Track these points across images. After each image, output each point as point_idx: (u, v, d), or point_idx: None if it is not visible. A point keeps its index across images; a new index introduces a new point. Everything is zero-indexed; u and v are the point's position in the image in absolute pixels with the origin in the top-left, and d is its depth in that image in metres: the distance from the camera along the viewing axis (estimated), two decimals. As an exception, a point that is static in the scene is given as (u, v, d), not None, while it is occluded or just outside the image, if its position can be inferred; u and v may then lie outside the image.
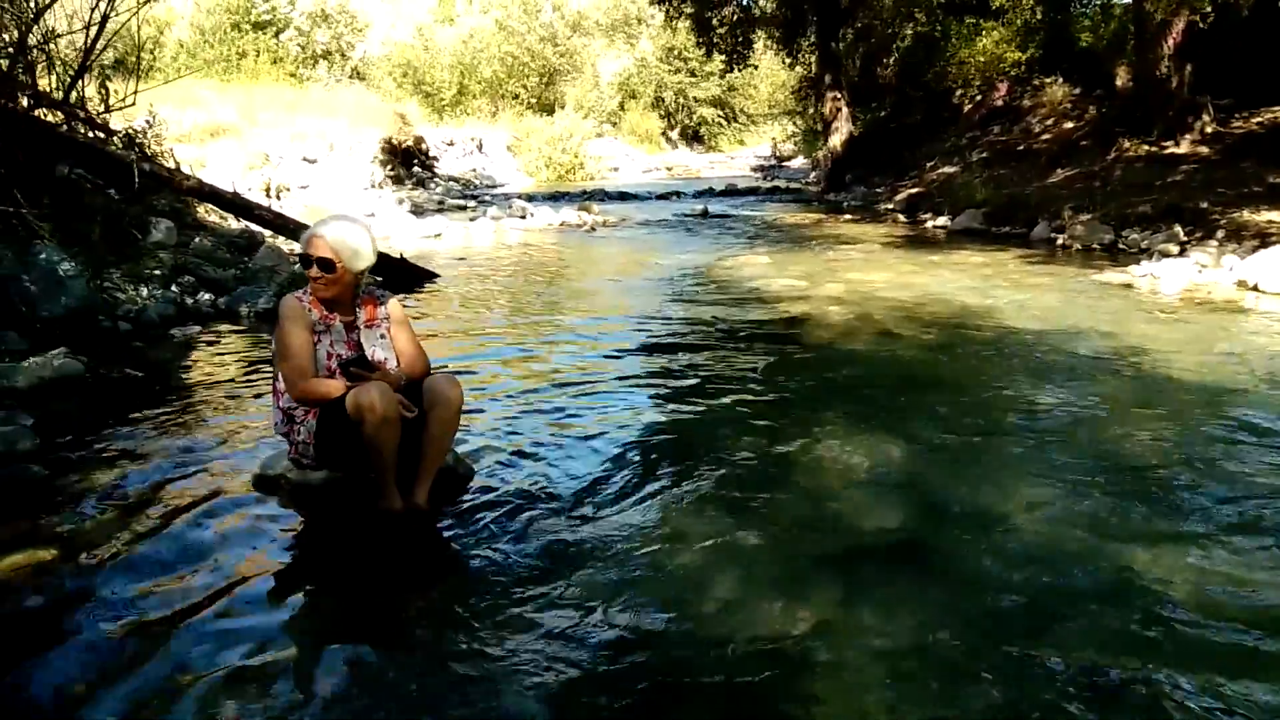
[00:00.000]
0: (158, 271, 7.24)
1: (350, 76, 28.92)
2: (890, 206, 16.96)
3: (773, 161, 37.31)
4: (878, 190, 19.03)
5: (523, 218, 15.67)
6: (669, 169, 36.93)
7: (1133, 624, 2.60)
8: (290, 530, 3.26)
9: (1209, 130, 12.78)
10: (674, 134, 47.87)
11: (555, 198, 20.22)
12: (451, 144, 27.10)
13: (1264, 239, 9.06)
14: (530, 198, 19.46)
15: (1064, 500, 3.49)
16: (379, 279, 8.56)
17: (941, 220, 14.49)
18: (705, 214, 17.15)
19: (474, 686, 2.32)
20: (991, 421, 4.54)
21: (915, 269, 9.87)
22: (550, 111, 33.69)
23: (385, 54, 33.62)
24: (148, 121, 9.94)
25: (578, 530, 3.25)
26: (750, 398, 4.99)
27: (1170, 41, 12.66)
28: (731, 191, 23.30)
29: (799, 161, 33.95)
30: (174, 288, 7.20)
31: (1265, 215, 9.72)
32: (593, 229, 14.81)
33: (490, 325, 7.13)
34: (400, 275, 8.70)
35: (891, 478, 3.75)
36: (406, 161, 22.12)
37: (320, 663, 2.46)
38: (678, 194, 22.56)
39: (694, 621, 2.65)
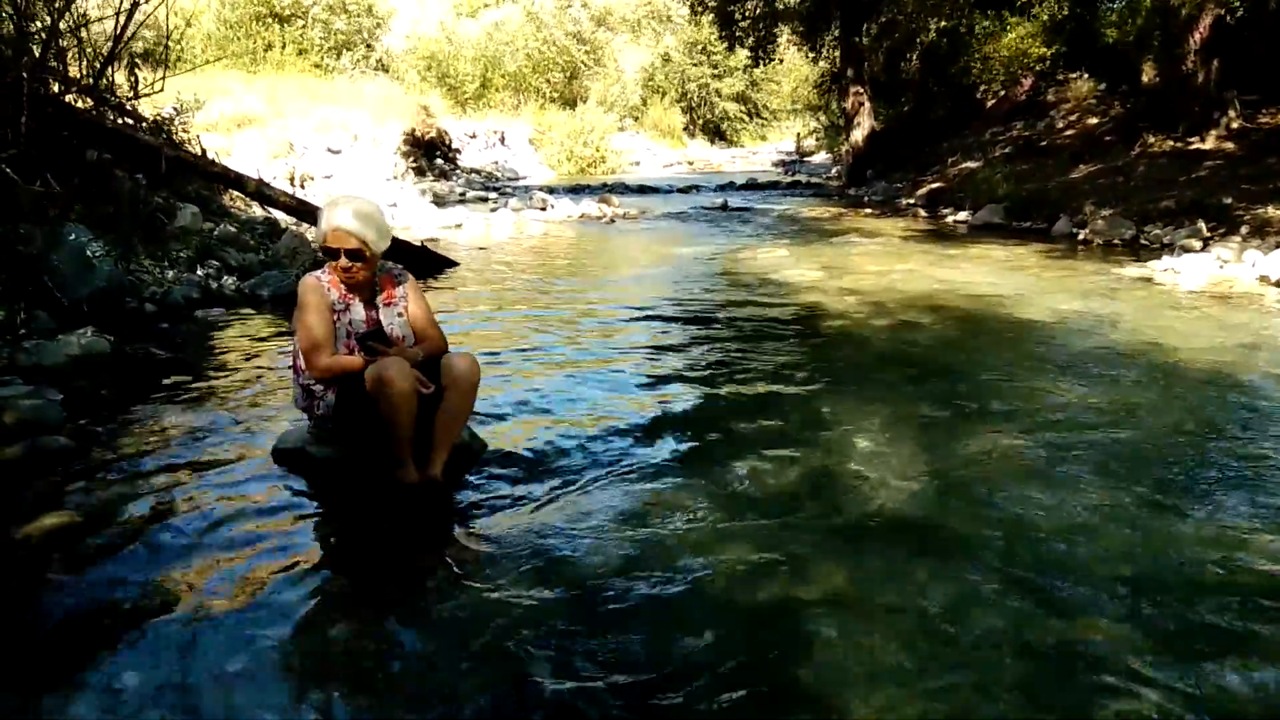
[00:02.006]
0: (183, 255, 7.37)
1: (375, 68, 29.09)
2: (911, 201, 16.90)
3: (795, 157, 37.15)
4: (899, 185, 18.96)
5: (543, 209, 15.75)
6: (690, 164, 36.87)
7: (1134, 604, 2.62)
8: (309, 501, 3.34)
9: (1235, 126, 12.65)
10: (696, 129, 47.79)
11: (576, 190, 20.28)
12: (474, 136, 27.22)
13: (1288, 235, 8.98)
14: (551, 190, 19.53)
15: (1073, 485, 3.51)
16: (399, 265, 8.65)
17: (962, 215, 14.43)
18: (725, 207, 17.16)
19: (486, 652, 2.38)
20: (1004, 409, 4.56)
21: (934, 262, 9.86)
22: (573, 105, 33.73)
23: (410, 47, 33.78)
24: (175, 109, 10.10)
25: (588, 504, 3.31)
26: (764, 383, 5.04)
27: (1197, 37, 12.54)
28: (752, 186, 23.26)
29: (821, 157, 33.80)
30: (199, 271, 7.32)
31: (1290, 211, 9.64)
32: (612, 221, 14.86)
33: (508, 310, 7.21)
34: (420, 262, 8.79)
35: (902, 460, 3.79)
36: (429, 153, 22.25)
37: (337, 629, 2.53)
38: (698, 188, 22.57)
39: (702, 594, 2.70)
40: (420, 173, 20.46)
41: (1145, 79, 15.49)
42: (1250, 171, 11.22)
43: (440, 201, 16.40)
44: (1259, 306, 7.15)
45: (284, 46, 25.41)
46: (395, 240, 8.83)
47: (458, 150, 24.89)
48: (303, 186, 14.78)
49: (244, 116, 17.27)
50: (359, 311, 3.36)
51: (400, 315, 3.47)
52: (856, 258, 10.37)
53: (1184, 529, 3.11)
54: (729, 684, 2.28)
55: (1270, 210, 9.79)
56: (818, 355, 5.74)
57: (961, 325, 6.70)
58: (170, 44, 10.47)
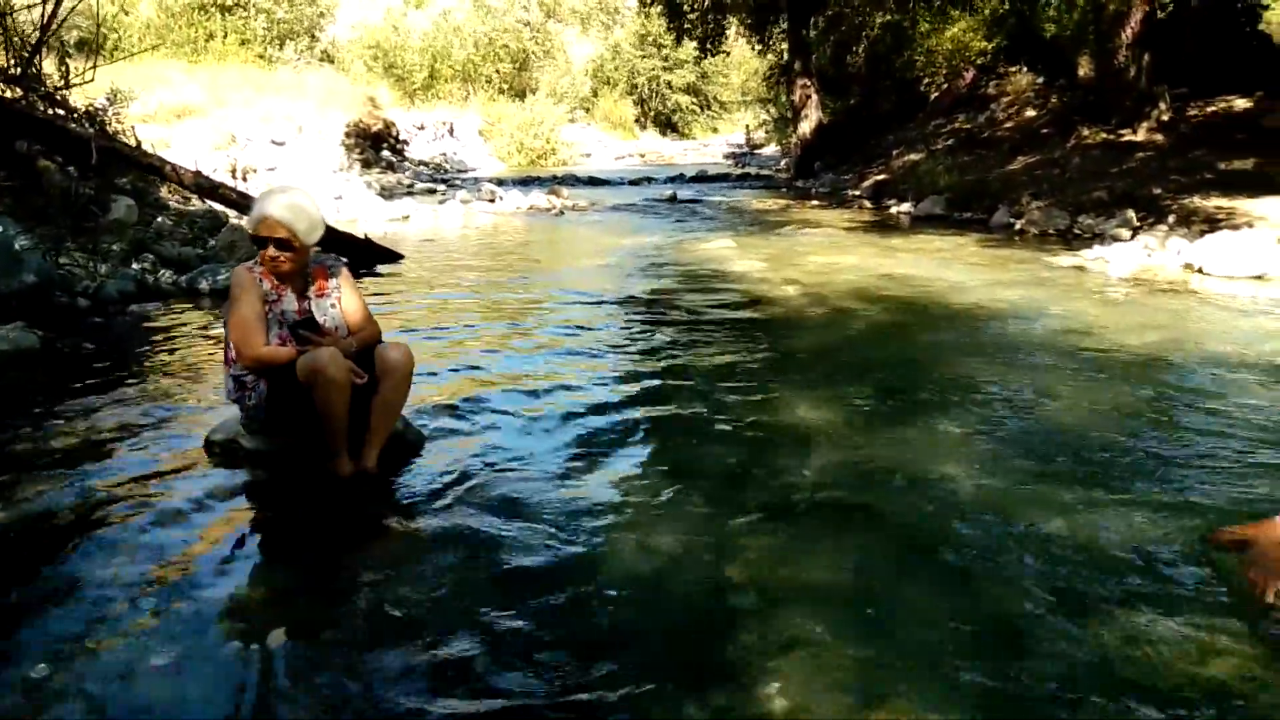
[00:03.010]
0: (117, 248, 7.23)
1: (320, 59, 28.64)
2: (857, 193, 17.13)
3: (745, 149, 37.40)
4: (846, 177, 19.20)
5: (491, 201, 15.69)
6: (642, 155, 36.94)
7: (1051, 576, 2.72)
8: (241, 495, 3.33)
9: (1165, 119, 13.04)
10: (648, 121, 47.84)
11: (525, 182, 20.22)
12: (422, 128, 26.99)
13: (1212, 224, 9.31)
14: (500, 182, 19.45)
15: (998, 466, 3.62)
16: (344, 260, 8.58)
17: (906, 206, 14.68)
18: (674, 199, 17.25)
19: (418, 641, 2.40)
20: (936, 394, 4.68)
21: (875, 253, 10.03)
22: (522, 97, 33.58)
23: (355, 37, 33.31)
24: (109, 99, 9.87)
25: (523, 494, 3.34)
26: (704, 371, 5.11)
27: (1128, 32, 12.89)
28: (702, 178, 23.40)
29: (771, 149, 34.05)
30: (135, 265, 7.20)
31: (1214, 201, 9.98)
32: (561, 212, 14.87)
33: (452, 302, 7.20)
34: (364, 255, 8.73)
35: (834, 444, 3.88)
36: (376, 145, 22.01)
37: (268, 622, 2.52)
38: (648, 180, 22.65)
39: (631, 575, 2.75)
40: (367, 165, 20.24)
41: (1081, 73, 15.89)
42: (1178, 163, 11.59)
43: (387, 194, 16.25)
44: (1182, 293, 7.41)
45: (226, 36, 24.90)
46: (338, 233, 8.82)
47: (405, 142, 24.66)
48: (245, 179, 14.53)
49: (184, 107, 16.94)
50: (291, 302, 3.35)
51: (334, 307, 3.47)
52: (800, 249, 10.51)
53: (1101, 506, 3.22)
54: (651, 660, 2.34)
55: (1196, 200, 10.13)
56: (757, 343, 5.82)
57: (899, 314, 6.85)
58: (105, 32, 10.22)
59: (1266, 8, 15.58)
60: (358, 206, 13.55)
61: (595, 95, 43.83)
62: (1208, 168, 11.13)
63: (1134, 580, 2.68)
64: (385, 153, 22.45)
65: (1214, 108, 13.18)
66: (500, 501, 3.26)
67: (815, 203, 16.96)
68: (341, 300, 3.50)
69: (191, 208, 9.45)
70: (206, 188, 8.80)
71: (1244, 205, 9.62)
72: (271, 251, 3.22)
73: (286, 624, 2.48)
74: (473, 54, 34.65)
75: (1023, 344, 5.76)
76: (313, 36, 29.58)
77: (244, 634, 2.44)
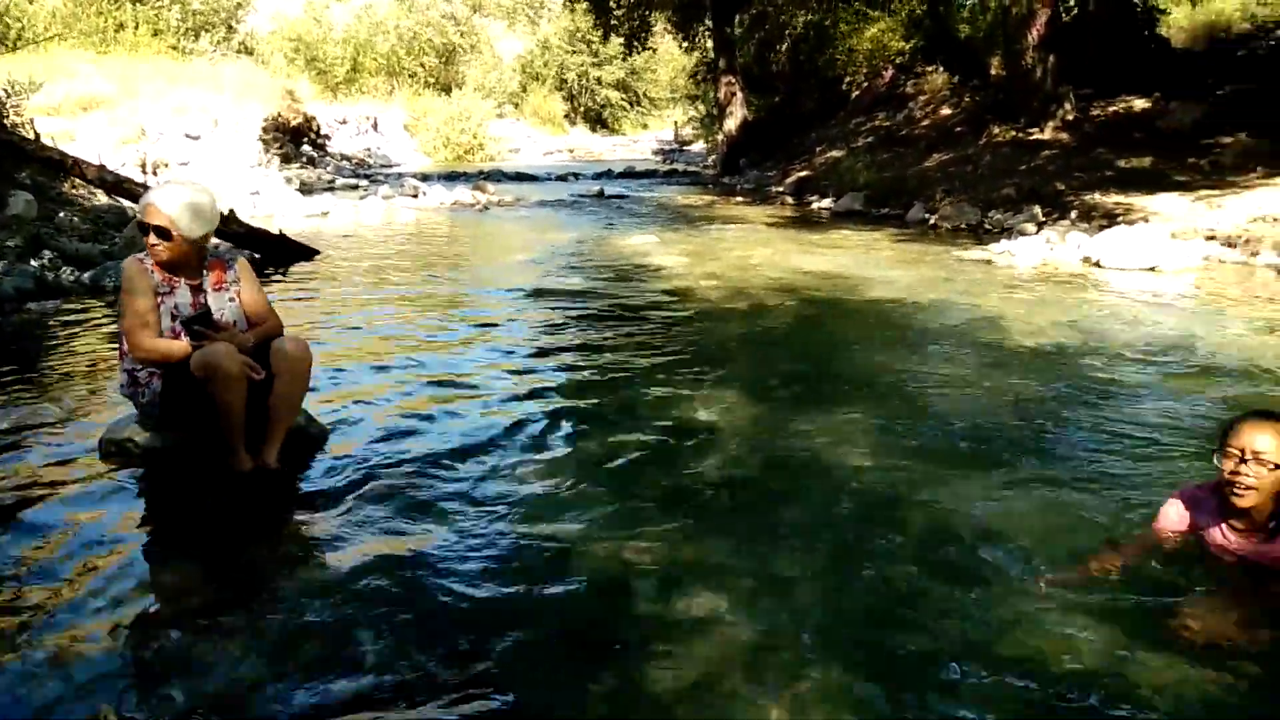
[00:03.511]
0: (13, 244, 6.97)
1: (237, 51, 27.85)
2: (780, 189, 17.40)
3: (674, 145, 37.57)
4: (770, 173, 19.47)
5: (415, 196, 15.52)
6: (571, 151, 36.84)
7: (941, 554, 2.83)
8: (136, 494, 3.27)
9: (1070, 118, 13.54)
10: (578, 116, 47.73)
11: (451, 177, 20.03)
12: (344, 122, 26.50)
13: (1111, 219, 9.73)
14: (425, 177, 19.23)
15: (900, 450, 3.75)
16: (243, 252, 8.42)
17: (826, 202, 14.96)
18: (601, 195, 17.30)
19: (314, 636, 2.39)
20: (846, 382, 4.82)
21: (795, 248, 10.23)
22: (449, 91, 33.20)
23: (275, 29, 32.50)
24: (7, 91, 9.49)
25: (429, 487, 3.33)
26: (622, 363, 5.16)
27: (1034, 34, 13.35)
28: (630, 174, 23.49)
29: (700, 145, 34.26)
30: (33, 262, 6.95)
31: (1114, 197, 10.42)
32: (486, 208, 14.78)
33: (369, 298, 7.12)
34: (278, 252, 8.58)
35: (745, 431, 3.97)
36: (296, 139, 21.54)
37: (163, 621, 2.49)
38: (576, 175, 22.66)
39: (536, 564, 2.77)
40: (287, 159, 19.79)
41: (993, 73, 16.39)
42: (1081, 161, 12.07)
43: (307, 189, 15.93)
44: (1080, 285, 7.74)
45: (138, 26, 24.02)
46: (251, 229, 8.64)
47: (327, 136, 24.19)
48: (155, 174, 14.10)
49: (91, 99, 16.34)
50: (185, 295, 3.30)
51: (232, 300, 3.43)
52: (721, 244, 10.66)
53: (993, 488, 3.34)
54: (551, 641, 2.38)
55: (1097, 197, 10.56)
56: (673, 336, 5.90)
57: (814, 307, 7.01)
58: (8, 21, 9.81)
59: (1164, 12, 16.29)
60: (275, 202, 13.27)
61: (524, 90, 43.54)
62: (1108, 166, 11.61)
63: (1018, 557, 2.80)
64: (306, 148, 21.98)
65: (1115, 108, 13.74)
66: (404, 496, 3.25)
67: (739, 199, 17.17)
68: (241, 293, 3.46)
69: (97, 203, 9.15)
70: (111, 183, 8.53)
71: (1140, 201, 10.07)
72: (151, 239, 3.18)
73: (181, 623, 2.46)
74: (396, 47, 34.11)
75: (929, 334, 5.95)
76: (229, 28, 28.73)
77: (135, 634, 2.41)
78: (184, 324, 3.23)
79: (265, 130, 19.49)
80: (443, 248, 10.47)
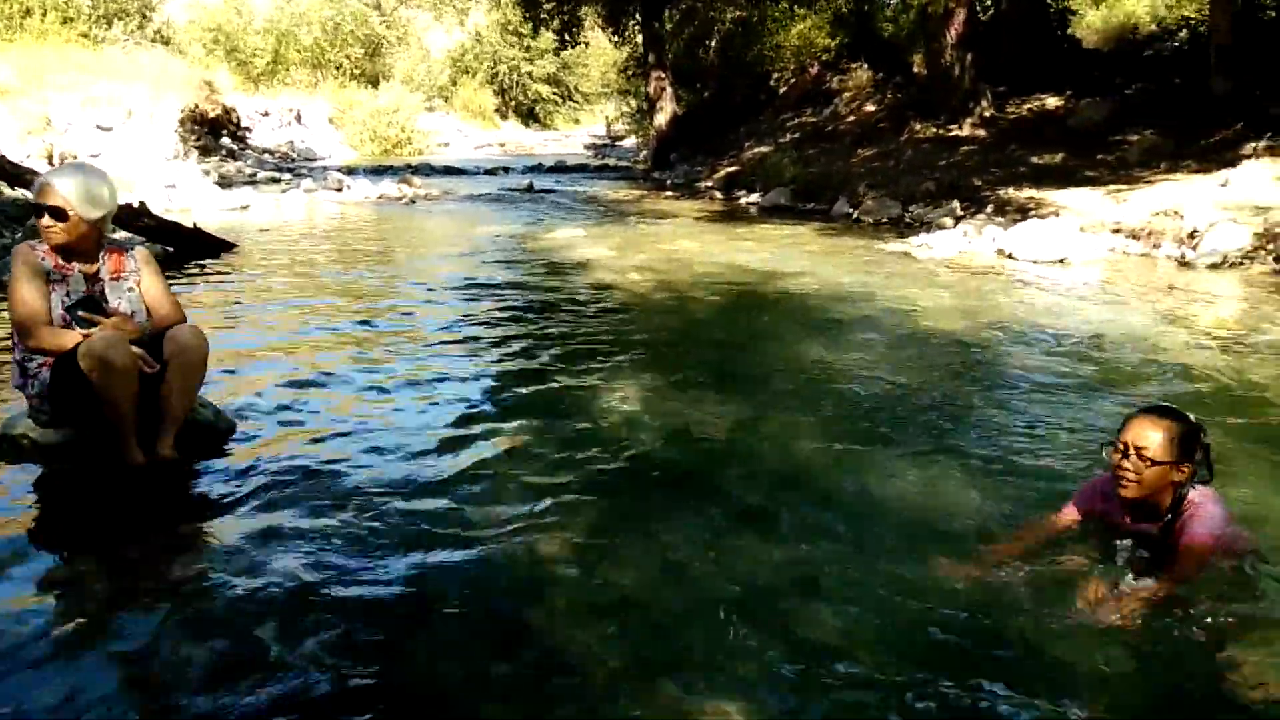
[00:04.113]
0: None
1: (152, 40, 26.91)
2: (709, 184, 17.53)
3: (606, 140, 37.50)
4: (699, 168, 19.59)
5: (339, 190, 15.22)
6: (502, 145, 36.53)
7: (853, 531, 2.90)
8: (28, 490, 3.14)
9: (987, 115, 13.94)
10: (509, 110, 47.34)
11: (378, 171, 19.70)
12: (266, 114, 25.85)
13: (1024, 213, 10.03)
14: (351, 171, 18.87)
15: (815, 435, 3.81)
16: (169, 249, 8.18)
17: (754, 197, 15.13)
18: (530, 189, 17.21)
19: (222, 632, 2.32)
20: (766, 371, 4.89)
21: (722, 242, 10.32)
22: (376, 84, 32.58)
23: (193, 18, 31.51)
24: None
25: (338, 480, 3.27)
26: (545, 354, 5.15)
27: (953, 32, 13.70)
28: (561, 168, 23.39)
29: (631, 140, 34.27)
30: (-75, 255, 6.62)
31: (1026, 192, 10.75)
32: (412, 201, 14.58)
33: (287, 291, 6.97)
34: (192, 245, 8.33)
35: (666, 420, 3.98)
36: (215, 132, 20.94)
37: (52, 619, 2.41)
38: (506, 169, 22.50)
39: (451, 553, 2.74)
40: (206, 152, 19.22)
41: (915, 71, 16.77)
42: (997, 157, 12.43)
43: (226, 183, 15.49)
44: (994, 276, 7.97)
45: (45, 13, 23.03)
46: (163, 221, 8.38)
47: (247, 129, 23.56)
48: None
49: (-8, 88, 15.63)
50: (79, 283, 3.19)
51: (131, 290, 3.32)
52: (650, 237, 10.70)
53: (908, 469, 3.43)
54: (466, 627, 2.37)
55: (1011, 191, 10.89)
56: (601, 327, 5.90)
57: (740, 298, 7.09)
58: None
59: (1075, 13, 16.87)
60: (192, 196, 12.86)
61: (454, 84, 42.99)
62: (1022, 161, 11.98)
63: (927, 534, 2.87)
64: (225, 140, 21.37)
65: (1029, 106, 14.18)
66: (314, 488, 3.19)
67: (669, 193, 17.26)
68: (141, 284, 3.35)
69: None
70: (10, 173, 8.18)
71: (1052, 196, 10.41)
72: (46, 220, 3.07)
73: (71, 623, 2.37)
74: (320, 39, 33.36)
75: (849, 324, 6.07)
76: (144, 16, 27.75)
77: (24, 633, 2.32)
78: (68, 310, 3.11)
79: (182, 122, 18.90)
80: (366, 241, 10.30)
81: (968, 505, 3.07)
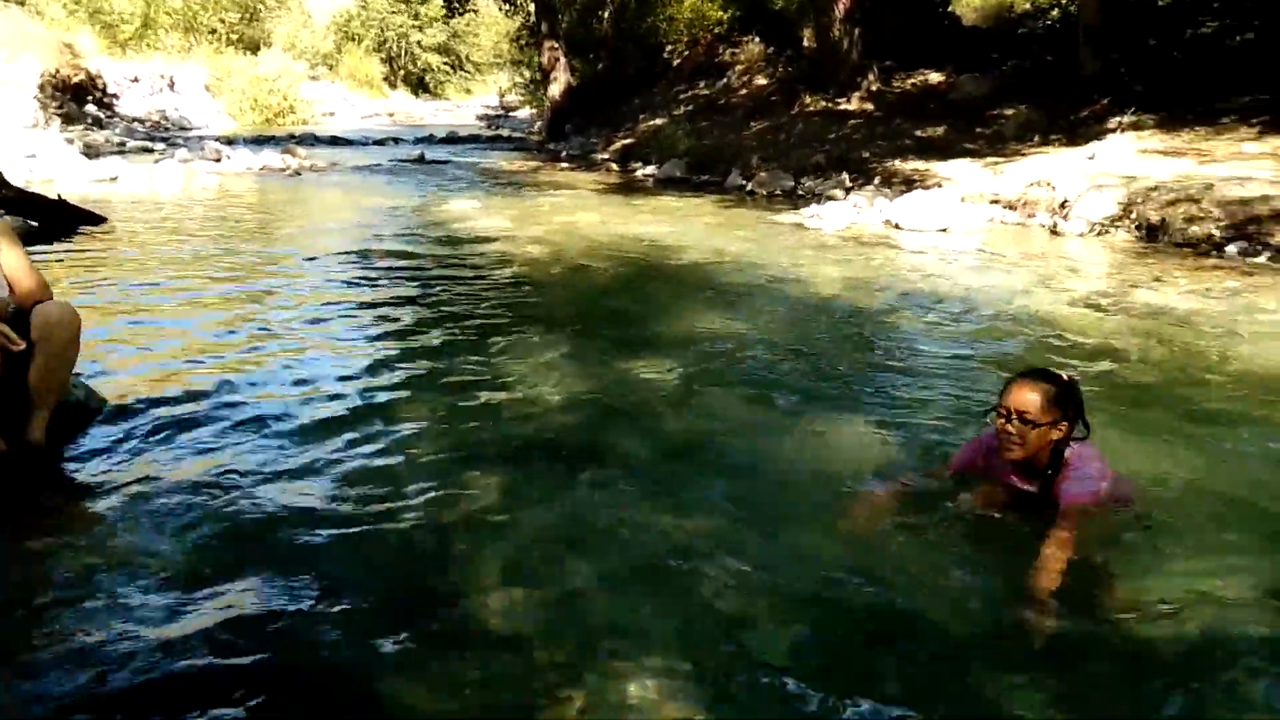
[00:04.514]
0: None
1: (5, 0, 25.00)
2: (605, 156, 17.47)
3: (499, 111, 36.94)
4: (594, 140, 19.50)
5: (218, 160, 14.51)
6: (391, 115, 35.57)
7: (749, 495, 2.97)
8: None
9: (874, 89, 14.30)
10: (397, 80, 46.00)
11: (259, 141, 18.85)
12: (136, 80, 24.37)
13: (910, 184, 10.37)
14: (230, 141, 18.00)
15: (712, 402, 3.89)
16: (33, 222, 7.66)
17: (650, 169, 15.16)
18: (422, 160, 16.81)
19: (92, 616, 2.21)
20: (664, 341, 4.92)
21: (619, 213, 10.32)
22: (255, 50, 31.12)
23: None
24: None
25: (224, 460, 3.13)
26: (440, 327, 5.05)
27: (840, 7, 13.98)
28: (453, 139, 22.93)
29: (526, 111, 33.83)
30: None
31: (912, 164, 11.11)
32: (298, 173, 14.04)
33: (163, 266, 6.62)
34: (57, 217, 7.82)
35: (568, 390, 3.97)
36: (79, 98, 19.64)
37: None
38: (396, 140, 21.92)
39: (346, 528, 2.67)
40: (69, 120, 18.04)
41: (805, 44, 17.04)
42: (884, 130, 12.79)
43: (92, 152, 14.56)
44: (882, 246, 8.22)
45: (-125, -33, 21.13)
46: (23, 193, 7.83)
47: (115, 96, 22.20)
48: (-95, 132, 12.49)
49: None
50: (-72, 259, 2.96)
51: (-13, 264, 3.09)
52: (547, 209, 10.60)
53: (800, 432, 3.53)
54: (368, 611, 2.31)
55: (897, 163, 11.23)
56: (496, 300, 5.83)
57: (637, 268, 7.11)
58: None
59: (956, -9, 17.46)
60: (55, 166, 12.05)
61: (339, 51, 41.48)
62: (907, 135, 12.37)
63: (824, 495, 2.95)
64: (90, 108, 20.10)
65: (913, 80, 14.62)
66: (190, 468, 3.05)
67: (565, 165, 17.12)
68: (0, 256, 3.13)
69: None
70: None
71: (935, 168, 10.79)
72: None
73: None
74: (192, 1, 31.59)
75: (744, 293, 6.17)
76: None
77: None
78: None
79: (42, 88, 17.67)
80: (249, 214, 9.87)
81: (863, 465, 3.18)
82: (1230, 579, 2.40)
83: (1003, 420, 2.53)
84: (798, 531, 2.72)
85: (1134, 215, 8.24)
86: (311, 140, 20.17)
